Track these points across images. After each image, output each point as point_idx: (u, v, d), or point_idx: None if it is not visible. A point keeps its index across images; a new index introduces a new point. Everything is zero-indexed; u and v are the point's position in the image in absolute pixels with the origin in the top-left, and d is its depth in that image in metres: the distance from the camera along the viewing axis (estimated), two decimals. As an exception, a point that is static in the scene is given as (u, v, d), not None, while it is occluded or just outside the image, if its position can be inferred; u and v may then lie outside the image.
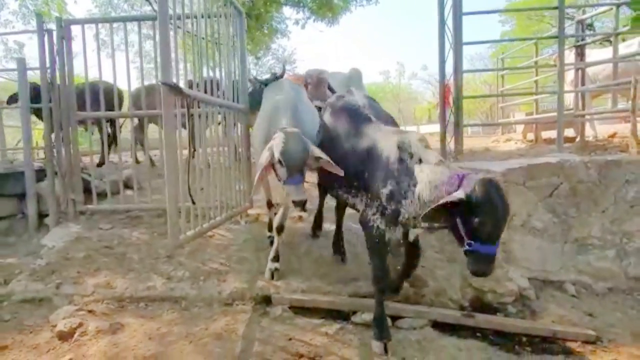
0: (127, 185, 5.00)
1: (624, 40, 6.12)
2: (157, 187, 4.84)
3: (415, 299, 3.17)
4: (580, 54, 5.82)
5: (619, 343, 2.75)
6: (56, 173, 4.59)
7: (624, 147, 4.87)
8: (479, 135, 15.97)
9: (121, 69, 25.57)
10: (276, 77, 4.04)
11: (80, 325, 2.80)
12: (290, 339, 2.68)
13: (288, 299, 3.09)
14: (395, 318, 2.95)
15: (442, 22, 4.19)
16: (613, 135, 6.06)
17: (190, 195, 2.80)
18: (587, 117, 5.74)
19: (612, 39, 5.49)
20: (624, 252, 3.55)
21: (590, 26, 13.07)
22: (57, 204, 4.55)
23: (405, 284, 3.24)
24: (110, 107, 4.78)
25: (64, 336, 2.74)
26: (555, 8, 4.38)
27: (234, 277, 3.39)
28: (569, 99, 5.96)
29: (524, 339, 2.81)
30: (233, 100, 3.86)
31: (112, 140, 6.24)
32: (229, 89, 3.76)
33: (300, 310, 3.04)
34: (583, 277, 3.54)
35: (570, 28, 7.03)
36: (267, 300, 3.15)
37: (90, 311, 3.03)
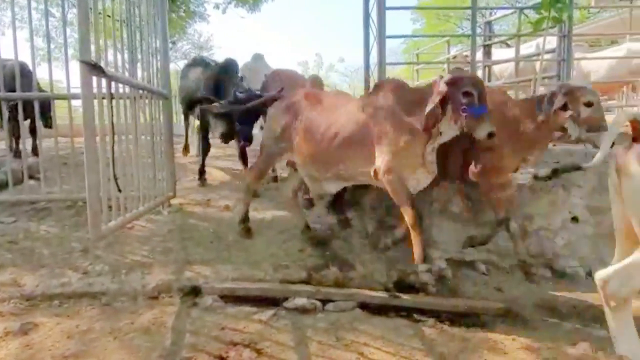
0: (32, 176, 4.56)
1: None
2: (66, 177, 4.47)
3: (344, 283, 3.27)
4: (488, 52, 6.31)
5: (523, 313, 3.06)
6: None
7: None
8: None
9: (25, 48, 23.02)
10: None
11: (-16, 327, 2.53)
12: (222, 328, 2.64)
13: (218, 288, 3.04)
14: (325, 302, 3.02)
15: (366, 16, 4.32)
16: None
17: (117, 183, 2.63)
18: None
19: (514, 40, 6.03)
20: (526, 232, 3.93)
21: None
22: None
23: (334, 268, 3.34)
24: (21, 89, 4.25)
25: (-35, 341, 2.46)
26: (469, 8, 4.70)
27: (159, 269, 3.25)
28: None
29: (445, 314, 3.03)
30: (156, 84, 3.68)
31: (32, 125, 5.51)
32: (150, 72, 3.57)
33: (232, 299, 3.00)
34: (492, 256, 3.87)
35: (477, 29, 7.57)
36: (196, 291, 3.06)
37: (-6, 312, 2.75)
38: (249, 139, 4.20)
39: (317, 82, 4.45)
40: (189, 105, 5.29)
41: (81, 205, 4.31)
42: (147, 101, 3.45)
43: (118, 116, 2.80)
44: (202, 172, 5.03)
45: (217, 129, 4.50)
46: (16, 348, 2.40)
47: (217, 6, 11.22)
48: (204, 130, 5.00)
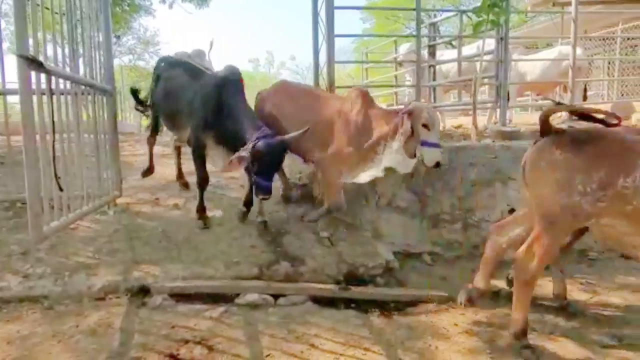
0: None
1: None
2: (3, 177, 4.25)
3: (295, 278, 3.32)
4: (432, 53, 6.56)
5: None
6: None
7: (466, 136, 5.65)
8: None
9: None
10: None
11: None
12: (173, 327, 2.62)
13: (168, 287, 3.00)
14: (277, 297, 3.06)
15: (315, 14, 4.39)
16: (459, 126, 6.97)
17: (58, 182, 2.54)
18: (439, 109, 6.51)
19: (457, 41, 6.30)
20: (468, 225, 4.14)
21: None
22: None
23: (285, 263, 3.39)
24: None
25: None
26: (414, 9, 4.88)
27: (105, 269, 3.17)
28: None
29: (392, 304, 3.15)
30: (99, 80, 3.57)
31: None
32: (93, 68, 3.46)
33: (182, 298, 2.98)
34: (436, 248, 4.05)
35: (423, 30, 7.84)
36: (144, 291, 3.01)
37: None
38: (269, 192, 3.26)
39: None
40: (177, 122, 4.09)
41: (20, 206, 4.11)
42: (89, 97, 3.35)
43: (59, 113, 2.70)
44: (202, 209, 3.93)
45: (219, 161, 3.71)
46: (-51, 357, 2.29)
47: (163, 0, 10.91)
48: (201, 159, 3.82)
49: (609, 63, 10.09)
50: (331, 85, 4.48)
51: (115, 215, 4.05)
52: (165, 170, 5.39)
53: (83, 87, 3.18)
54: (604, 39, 9.82)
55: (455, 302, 3.14)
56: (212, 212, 4.08)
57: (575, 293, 3.39)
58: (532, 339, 2.64)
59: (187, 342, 2.48)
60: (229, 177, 5.08)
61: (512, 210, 4.20)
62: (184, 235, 3.70)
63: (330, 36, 4.36)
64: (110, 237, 3.63)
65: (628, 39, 8.93)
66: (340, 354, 2.41)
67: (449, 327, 2.83)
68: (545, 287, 3.32)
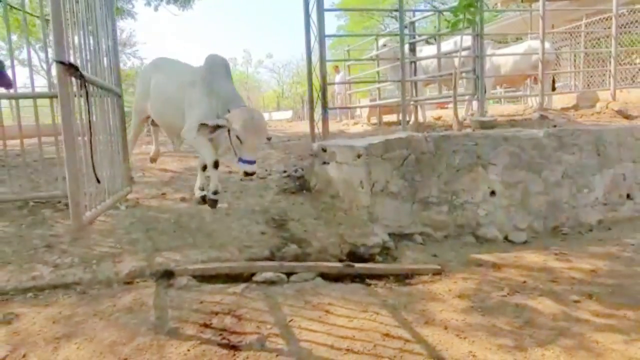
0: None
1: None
2: (13, 178, 4.45)
3: (303, 258, 3.67)
4: (413, 49, 6.96)
5: (454, 271, 3.64)
6: None
7: (447, 126, 6.08)
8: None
9: None
10: None
11: (-35, 321, 2.63)
12: (201, 302, 2.93)
13: (191, 269, 3.30)
14: (289, 275, 3.40)
15: (307, 16, 4.71)
16: (439, 118, 7.40)
17: (96, 175, 2.81)
18: (420, 102, 6.93)
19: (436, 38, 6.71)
20: (453, 206, 4.55)
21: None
22: None
23: (293, 246, 3.72)
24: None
25: (-49, 333, 2.54)
26: (396, 10, 5.26)
27: (129, 257, 3.44)
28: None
29: (391, 278, 3.53)
30: (111, 83, 3.82)
31: None
32: (107, 72, 3.72)
33: (204, 278, 3.29)
34: (427, 228, 4.44)
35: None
36: (168, 275, 3.30)
37: (-30, 307, 2.83)
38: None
39: None
40: None
41: (33, 205, 4.33)
42: (108, 99, 3.60)
43: (90, 114, 2.96)
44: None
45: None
46: (4, 335, 2.54)
47: (148, 3, 11.03)
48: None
49: (575, 56, 10.72)
50: (324, 82, 4.82)
51: (128, 209, 4.31)
52: (167, 167, 5.65)
53: (102, 90, 3.44)
54: (570, 33, 10.43)
55: (447, 274, 3.54)
56: (219, 204, 4.37)
57: (551, 262, 3.84)
58: (516, 298, 3.06)
59: (217, 313, 2.79)
60: (227, 171, 5.38)
61: (493, 193, 4.64)
62: (196, 224, 4.00)
63: (322, 37, 4.70)
64: (127, 229, 3.90)
65: (591, 33, 9.53)
66: (354, 317, 2.77)
67: (444, 293, 3.21)
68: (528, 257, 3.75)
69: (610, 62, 7.10)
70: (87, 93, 2.69)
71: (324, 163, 4.81)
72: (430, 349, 2.43)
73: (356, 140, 4.87)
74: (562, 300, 3.06)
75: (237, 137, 3.39)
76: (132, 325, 2.67)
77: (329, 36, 5.01)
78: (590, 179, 4.93)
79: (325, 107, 4.92)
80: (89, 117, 2.73)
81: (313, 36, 4.74)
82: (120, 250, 3.54)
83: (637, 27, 8.96)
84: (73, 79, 2.65)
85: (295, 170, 5.21)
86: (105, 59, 3.83)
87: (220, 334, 2.56)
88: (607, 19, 7.94)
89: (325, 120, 4.98)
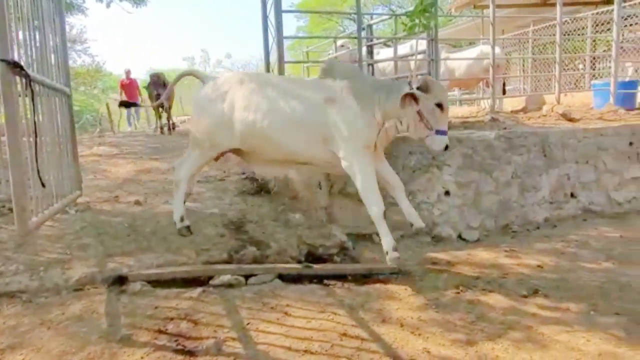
0: None
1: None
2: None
3: (262, 260, 3.65)
4: (370, 52, 7.07)
5: (411, 270, 3.72)
6: None
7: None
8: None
9: None
10: None
11: None
12: (156, 307, 2.86)
13: (145, 274, 3.21)
14: (247, 278, 3.37)
15: (265, 17, 4.69)
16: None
17: (40, 179, 2.69)
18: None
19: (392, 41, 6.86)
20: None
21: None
22: None
23: (252, 248, 3.70)
24: None
25: None
26: (355, 13, 5.33)
27: (79, 263, 3.31)
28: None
29: (350, 278, 3.56)
30: (59, 82, 3.67)
31: None
32: (55, 70, 3.56)
33: (159, 283, 3.21)
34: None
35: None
36: (121, 280, 3.20)
37: None
38: None
39: None
40: None
41: (-26, 209, 4.09)
42: (55, 99, 3.45)
43: (34, 115, 2.83)
44: None
45: None
46: (-59, 349, 2.39)
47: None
48: None
49: (524, 61, 11.22)
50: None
51: (78, 214, 4.14)
52: (119, 170, 5.48)
53: (49, 90, 3.29)
54: (518, 39, 10.90)
55: (403, 273, 3.62)
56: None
57: (502, 259, 4.00)
58: (469, 294, 3.17)
59: (172, 319, 2.74)
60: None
61: (447, 193, 4.78)
62: (151, 228, 3.89)
63: (280, 38, 4.69)
64: (78, 234, 3.75)
65: (538, 39, 9.99)
66: (312, 318, 2.78)
67: (400, 292, 3.28)
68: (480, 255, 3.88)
69: (555, 68, 7.47)
70: (32, 93, 2.56)
71: (283, 164, 4.80)
72: (386, 347, 2.48)
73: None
74: (512, 295, 3.19)
75: (439, 106, 3.31)
76: (82, 333, 2.57)
77: (287, 37, 5.03)
78: (538, 179, 5.17)
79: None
80: (35, 118, 2.60)
81: (271, 37, 4.74)
82: (70, 256, 3.40)
83: (580, 34, 9.48)
84: (17, 78, 2.52)
85: (254, 172, 5.18)
86: (53, 56, 3.68)
87: (176, 340, 2.52)
88: (551, 27, 8.36)
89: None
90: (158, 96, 8.96)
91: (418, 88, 3.35)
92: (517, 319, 2.83)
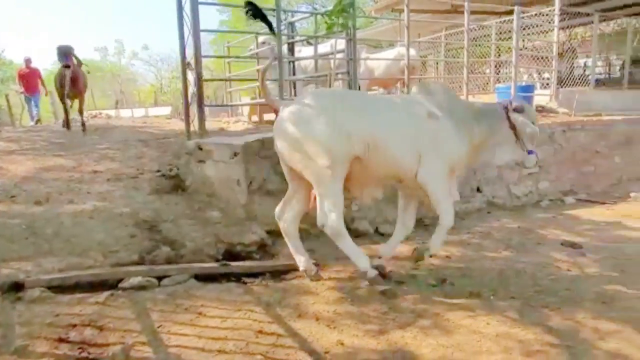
0: None
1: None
2: None
3: (176, 260, 3.52)
4: (291, 49, 7.08)
5: (329, 265, 3.79)
6: None
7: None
8: (207, 119, 16.76)
9: None
10: None
11: None
12: (57, 315, 2.66)
13: (45, 279, 2.97)
14: (160, 278, 3.24)
15: (180, 9, 4.51)
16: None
17: None
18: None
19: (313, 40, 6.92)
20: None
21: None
22: None
23: (165, 248, 3.56)
24: None
25: None
26: (274, 10, 5.30)
27: (-33, 270, 2.99)
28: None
29: (267, 274, 3.56)
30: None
31: None
32: None
33: (62, 289, 2.98)
34: (304, 225, 4.54)
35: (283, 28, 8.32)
36: (17, 287, 2.93)
37: None
38: None
39: None
40: None
41: None
42: None
43: None
44: None
45: None
46: None
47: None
48: None
49: (437, 63, 11.86)
50: (200, 79, 4.67)
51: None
52: (18, 167, 5.01)
53: None
54: (432, 43, 11.49)
55: (322, 267, 3.67)
56: (82, 206, 4.01)
57: (415, 251, 4.19)
58: (388, 282, 3.30)
59: (75, 326, 2.56)
60: (91, 170, 4.97)
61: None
62: (53, 229, 3.60)
63: (197, 31, 4.54)
64: (-35, 238, 3.38)
65: (449, 43, 10.62)
66: (228, 317, 2.74)
67: (317, 287, 3.33)
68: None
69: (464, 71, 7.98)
70: None
71: (200, 161, 4.66)
72: (301, 341, 2.51)
73: (234, 138, 4.82)
74: (422, 286, 3.37)
75: (531, 127, 3.47)
76: (-33, 348, 2.32)
77: (204, 31, 4.86)
78: (448, 175, 5.49)
79: (201, 104, 4.77)
80: None
81: (187, 30, 4.57)
82: (-45, 263, 3.06)
83: (486, 41, 10.20)
84: None
85: (170, 170, 4.98)
86: None
87: (79, 348, 2.37)
88: (461, 32, 8.90)
89: (201, 117, 4.83)
90: (67, 67, 7.06)
91: (515, 110, 3.54)
92: (426, 307, 2.99)
